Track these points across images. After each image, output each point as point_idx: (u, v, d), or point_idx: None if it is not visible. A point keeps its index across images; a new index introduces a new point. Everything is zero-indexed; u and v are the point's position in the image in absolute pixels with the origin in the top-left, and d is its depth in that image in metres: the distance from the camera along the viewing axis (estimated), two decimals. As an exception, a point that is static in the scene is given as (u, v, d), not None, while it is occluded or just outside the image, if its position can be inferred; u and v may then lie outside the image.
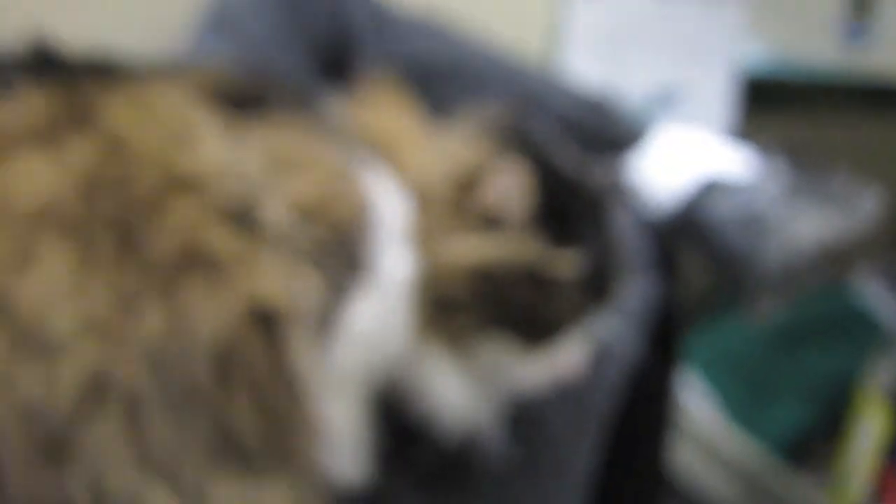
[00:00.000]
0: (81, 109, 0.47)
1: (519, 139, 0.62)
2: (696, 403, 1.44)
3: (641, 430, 1.10)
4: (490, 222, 0.57)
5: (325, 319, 0.52)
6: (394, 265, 0.56)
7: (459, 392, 0.59)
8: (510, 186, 0.57)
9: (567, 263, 0.58)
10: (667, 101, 1.19)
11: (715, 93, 1.17)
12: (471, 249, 0.56)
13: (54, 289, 0.42)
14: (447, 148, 0.61)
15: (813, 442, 1.41)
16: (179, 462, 0.44)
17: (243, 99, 0.54)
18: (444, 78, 0.95)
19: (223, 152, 0.49)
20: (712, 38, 1.17)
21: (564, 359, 0.62)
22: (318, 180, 0.53)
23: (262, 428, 0.48)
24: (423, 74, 0.90)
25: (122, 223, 0.44)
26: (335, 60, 0.98)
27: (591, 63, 1.19)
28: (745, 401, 1.43)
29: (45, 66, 0.50)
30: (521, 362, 0.60)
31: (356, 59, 0.98)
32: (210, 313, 0.45)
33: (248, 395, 0.47)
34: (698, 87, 1.18)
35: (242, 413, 0.47)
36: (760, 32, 1.21)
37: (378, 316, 0.55)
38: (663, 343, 1.03)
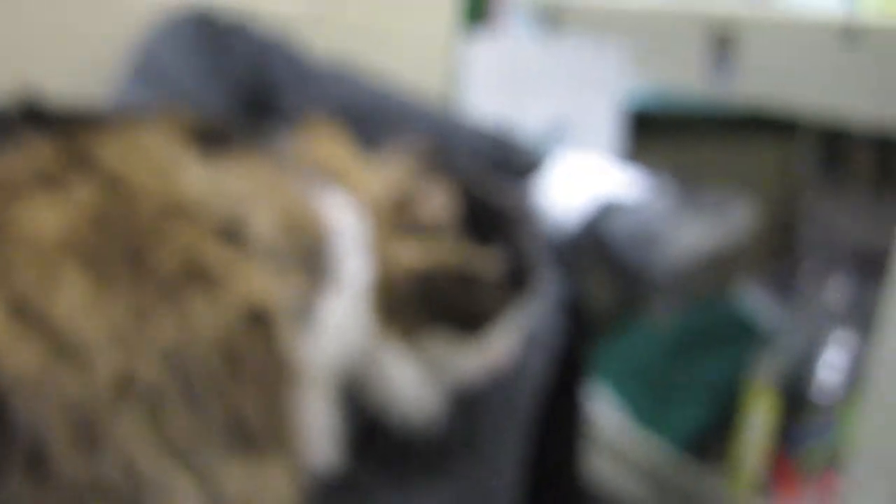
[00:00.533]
0: (79, 154, 0.54)
1: (439, 165, 0.72)
2: (604, 411, 1.52)
3: (556, 442, 1.18)
4: (424, 232, 0.66)
5: (304, 317, 0.61)
6: (354, 270, 0.65)
7: (413, 380, 0.68)
8: (438, 202, 0.66)
9: (488, 263, 0.68)
10: (560, 133, 1.29)
11: (603, 124, 1.27)
12: (412, 255, 0.66)
13: (81, 306, 0.49)
14: (382, 173, 0.70)
15: (711, 438, 1.51)
16: (196, 449, 0.51)
17: (212, 137, 0.62)
18: (362, 119, 1.02)
19: (205, 180, 0.57)
20: (598, 75, 1.28)
21: (496, 348, 0.71)
22: (288, 200, 0.62)
23: (264, 414, 0.55)
24: (344, 116, 0.97)
25: (130, 248, 0.52)
26: (256, 105, 1.04)
27: (489, 101, 1.27)
28: (648, 405, 1.53)
29: (37, 117, 0.57)
30: (460, 352, 0.69)
31: (276, 103, 1.04)
32: (212, 317, 0.53)
33: (251, 384, 0.54)
34: (587, 120, 1.28)
35: (248, 401, 0.54)
36: (639, 69, 1.32)
37: (345, 314, 0.63)
38: (572, 354, 1.11)
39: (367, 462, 0.71)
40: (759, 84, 1.20)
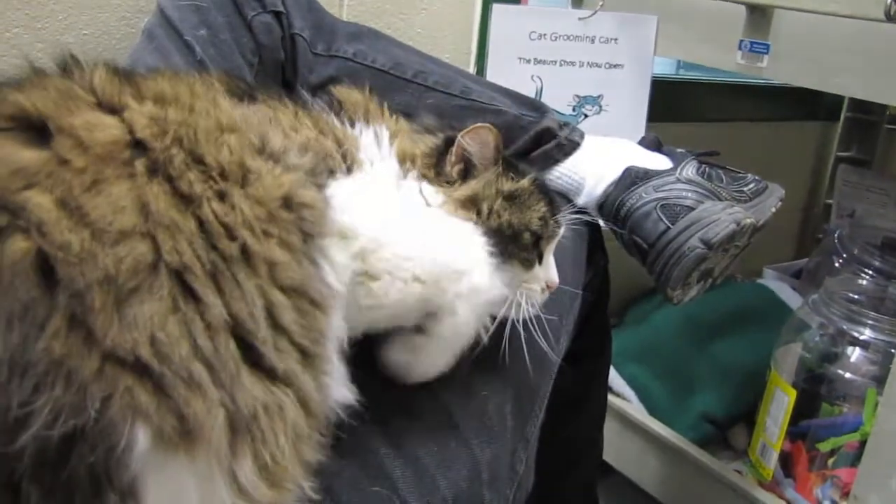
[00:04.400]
0: (130, 85, 0.64)
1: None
2: (626, 393, 1.51)
3: (578, 414, 1.17)
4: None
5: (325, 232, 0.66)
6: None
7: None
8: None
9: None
10: (590, 108, 1.26)
11: (632, 99, 1.25)
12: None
13: (117, 203, 0.56)
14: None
15: (731, 424, 1.50)
16: (218, 347, 0.56)
17: (240, 92, 0.73)
18: (405, 80, 1.04)
19: (238, 112, 0.67)
20: (628, 50, 1.25)
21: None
22: (308, 133, 0.73)
23: (292, 322, 0.60)
24: (391, 77, 1.04)
25: (194, 150, 0.61)
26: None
27: (516, 72, 1.25)
28: (669, 388, 1.52)
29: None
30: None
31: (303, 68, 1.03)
32: (251, 202, 0.61)
33: (278, 282, 0.60)
34: (617, 94, 1.26)
35: (281, 281, 0.60)
36: (671, 44, 1.29)
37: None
38: (592, 326, 1.11)
39: (375, 425, 0.72)
40: (795, 65, 1.17)
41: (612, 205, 1.04)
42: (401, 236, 0.71)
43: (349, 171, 0.73)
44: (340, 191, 0.69)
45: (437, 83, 1.04)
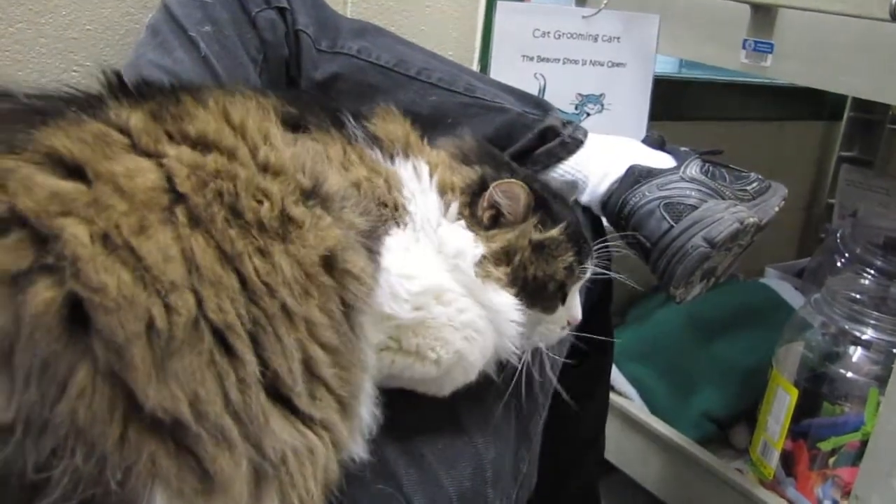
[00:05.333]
0: (170, 121, 0.62)
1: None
2: (628, 392, 1.51)
3: (580, 412, 1.17)
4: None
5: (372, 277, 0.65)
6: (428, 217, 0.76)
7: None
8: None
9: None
10: (593, 106, 1.26)
11: (635, 97, 1.25)
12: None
13: (167, 249, 0.54)
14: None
15: (733, 423, 1.50)
16: (248, 401, 0.54)
17: (294, 120, 0.72)
18: (409, 77, 1.04)
19: (290, 148, 0.65)
20: (630, 48, 1.25)
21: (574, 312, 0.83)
22: (359, 173, 0.72)
23: (332, 374, 0.60)
24: (395, 74, 1.03)
25: (232, 201, 0.59)
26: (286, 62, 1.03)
27: (518, 70, 1.25)
28: (671, 387, 1.51)
29: (125, 90, 0.64)
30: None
31: (308, 62, 1.03)
32: (291, 260, 0.59)
33: (318, 339, 0.59)
34: (619, 93, 1.25)
35: (320, 339, 0.59)
36: (675, 45, 1.29)
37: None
38: (595, 324, 1.11)
39: (391, 439, 0.73)
40: (799, 64, 1.17)
41: (616, 203, 1.04)
42: (437, 317, 0.72)
43: (397, 222, 0.73)
44: (389, 259, 0.70)
45: (441, 80, 1.04)
